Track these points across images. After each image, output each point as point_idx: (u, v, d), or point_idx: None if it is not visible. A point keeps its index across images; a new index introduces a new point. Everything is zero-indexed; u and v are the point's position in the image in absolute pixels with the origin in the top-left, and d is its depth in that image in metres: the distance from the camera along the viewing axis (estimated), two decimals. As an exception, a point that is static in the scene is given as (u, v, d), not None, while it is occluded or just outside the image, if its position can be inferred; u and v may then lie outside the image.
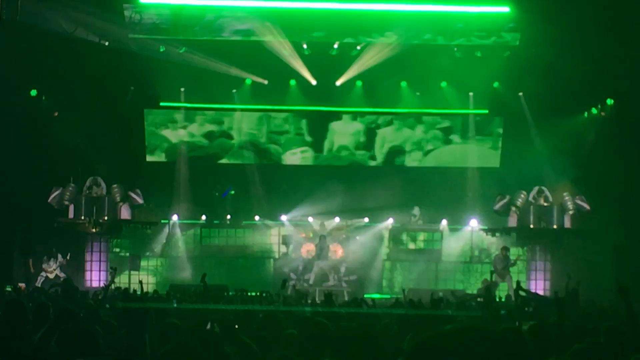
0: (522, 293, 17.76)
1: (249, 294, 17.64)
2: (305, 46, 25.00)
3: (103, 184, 24.57)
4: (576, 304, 15.22)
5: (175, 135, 27.60)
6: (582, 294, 18.09)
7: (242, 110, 27.52)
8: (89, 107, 24.29)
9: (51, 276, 23.26)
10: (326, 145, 27.90)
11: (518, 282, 14.08)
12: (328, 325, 7.45)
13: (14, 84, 21.95)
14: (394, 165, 27.77)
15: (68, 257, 24.13)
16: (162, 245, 26.71)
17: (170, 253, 26.60)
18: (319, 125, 27.74)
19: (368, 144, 27.91)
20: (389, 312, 12.13)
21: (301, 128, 27.88)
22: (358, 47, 25.00)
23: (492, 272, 21.88)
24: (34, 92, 24.32)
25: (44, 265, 23.61)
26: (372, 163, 27.97)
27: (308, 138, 27.87)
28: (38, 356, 6.41)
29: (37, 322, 7.19)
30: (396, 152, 27.87)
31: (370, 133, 27.87)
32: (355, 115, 27.81)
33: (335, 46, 24.83)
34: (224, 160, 27.88)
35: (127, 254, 26.09)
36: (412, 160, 27.83)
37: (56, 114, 24.95)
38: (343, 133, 27.88)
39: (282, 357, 6.15)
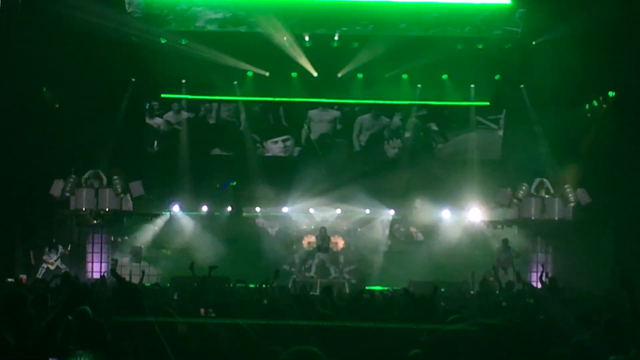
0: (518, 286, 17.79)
1: (250, 285, 17.64)
2: (307, 38, 24.94)
3: (104, 176, 24.56)
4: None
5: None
6: (583, 286, 18.10)
7: (243, 101, 27.47)
8: (90, 99, 24.24)
9: (52, 268, 23.30)
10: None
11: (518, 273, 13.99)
12: (332, 316, 7.43)
13: (15, 76, 21.90)
14: (390, 156, 27.72)
15: (69, 249, 24.16)
16: (163, 236, 26.70)
17: (171, 245, 26.59)
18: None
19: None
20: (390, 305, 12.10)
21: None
22: (357, 42, 24.93)
23: (494, 267, 21.80)
24: (35, 85, 24.26)
25: (45, 257, 23.63)
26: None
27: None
28: (41, 349, 6.39)
29: (36, 314, 7.19)
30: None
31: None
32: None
33: (336, 37, 24.78)
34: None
35: (129, 246, 26.12)
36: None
37: (57, 105, 24.91)
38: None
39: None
